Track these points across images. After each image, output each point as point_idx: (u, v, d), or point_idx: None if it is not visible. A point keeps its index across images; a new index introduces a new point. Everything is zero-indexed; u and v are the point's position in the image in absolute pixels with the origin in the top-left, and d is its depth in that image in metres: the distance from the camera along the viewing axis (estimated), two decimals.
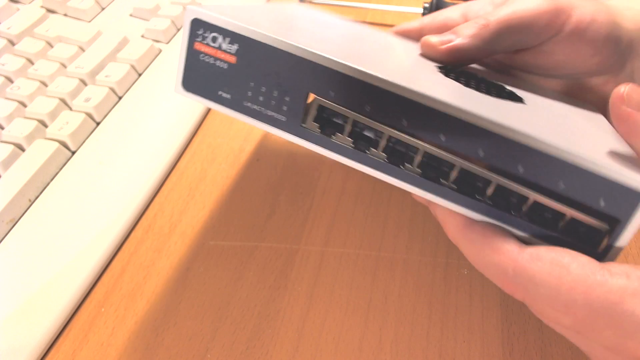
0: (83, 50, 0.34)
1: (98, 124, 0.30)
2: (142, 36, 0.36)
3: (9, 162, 0.27)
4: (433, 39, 0.23)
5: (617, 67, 0.25)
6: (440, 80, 0.19)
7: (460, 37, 0.22)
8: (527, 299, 0.16)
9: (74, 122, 0.29)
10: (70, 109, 0.30)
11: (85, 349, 0.22)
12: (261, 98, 0.17)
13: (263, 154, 0.30)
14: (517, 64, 0.26)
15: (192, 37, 0.17)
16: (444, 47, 0.22)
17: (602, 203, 0.15)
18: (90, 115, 0.30)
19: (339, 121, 0.17)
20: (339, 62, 0.15)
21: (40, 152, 0.27)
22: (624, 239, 0.15)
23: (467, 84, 0.20)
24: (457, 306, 0.23)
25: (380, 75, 0.15)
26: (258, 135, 0.31)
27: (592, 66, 0.25)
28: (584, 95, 0.27)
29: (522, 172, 0.15)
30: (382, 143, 0.16)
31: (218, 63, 0.17)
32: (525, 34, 0.22)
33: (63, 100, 0.30)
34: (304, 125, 0.17)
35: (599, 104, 0.27)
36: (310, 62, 0.16)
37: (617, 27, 0.23)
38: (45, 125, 0.29)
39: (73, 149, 0.29)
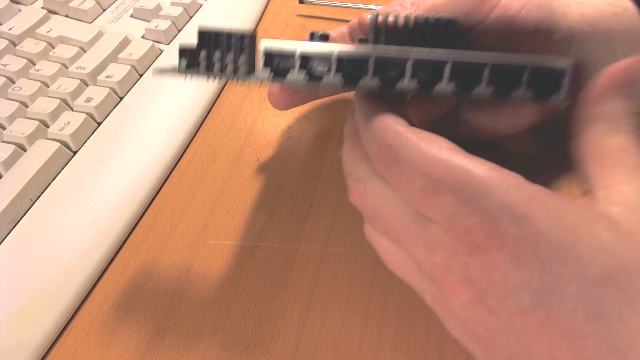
0: (84, 51, 0.34)
1: (99, 124, 0.30)
2: (143, 37, 0.36)
3: (10, 162, 0.27)
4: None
5: None
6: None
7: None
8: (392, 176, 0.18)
9: (75, 123, 0.29)
10: (72, 109, 0.30)
11: (86, 347, 0.22)
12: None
13: (263, 154, 0.30)
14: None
15: None
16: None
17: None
18: (91, 116, 0.30)
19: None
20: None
21: (42, 152, 0.27)
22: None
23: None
24: None
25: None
26: (258, 135, 0.31)
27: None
28: None
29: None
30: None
31: None
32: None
33: (64, 101, 0.30)
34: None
35: None
36: None
37: (553, 17, 0.23)
38: (47, 126, 0.29)
39: (74, 149, 0.29)
